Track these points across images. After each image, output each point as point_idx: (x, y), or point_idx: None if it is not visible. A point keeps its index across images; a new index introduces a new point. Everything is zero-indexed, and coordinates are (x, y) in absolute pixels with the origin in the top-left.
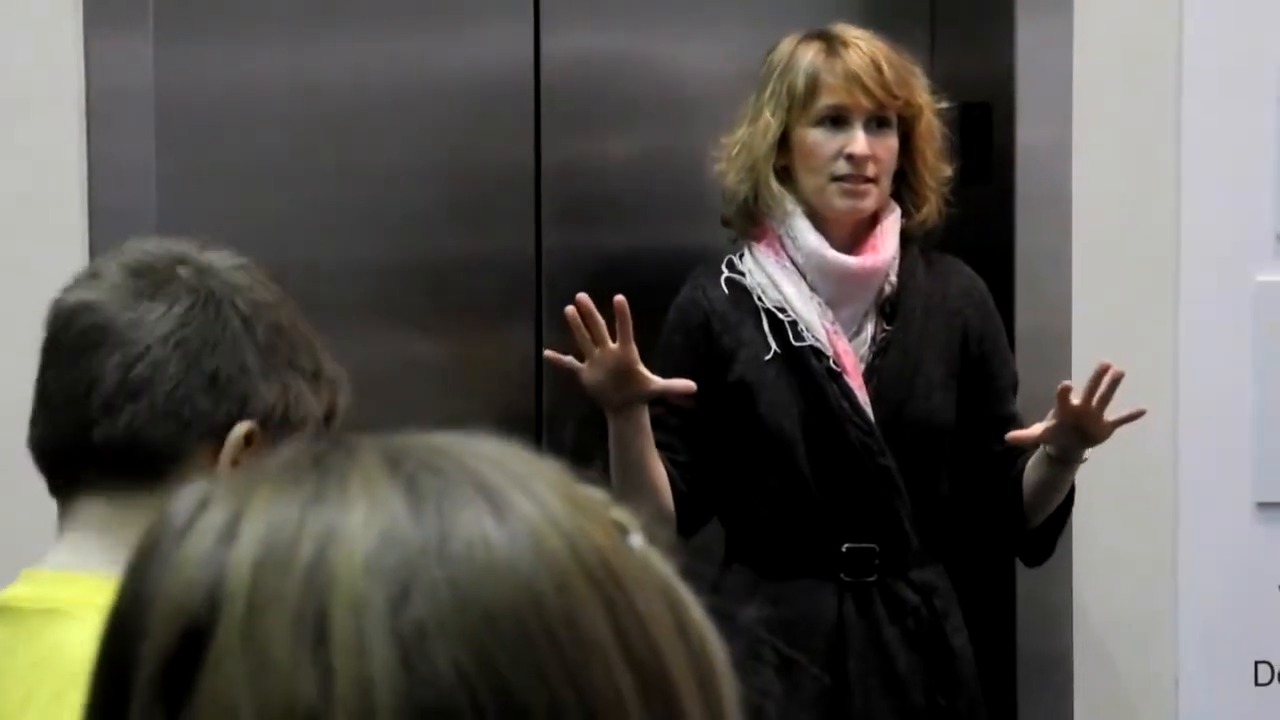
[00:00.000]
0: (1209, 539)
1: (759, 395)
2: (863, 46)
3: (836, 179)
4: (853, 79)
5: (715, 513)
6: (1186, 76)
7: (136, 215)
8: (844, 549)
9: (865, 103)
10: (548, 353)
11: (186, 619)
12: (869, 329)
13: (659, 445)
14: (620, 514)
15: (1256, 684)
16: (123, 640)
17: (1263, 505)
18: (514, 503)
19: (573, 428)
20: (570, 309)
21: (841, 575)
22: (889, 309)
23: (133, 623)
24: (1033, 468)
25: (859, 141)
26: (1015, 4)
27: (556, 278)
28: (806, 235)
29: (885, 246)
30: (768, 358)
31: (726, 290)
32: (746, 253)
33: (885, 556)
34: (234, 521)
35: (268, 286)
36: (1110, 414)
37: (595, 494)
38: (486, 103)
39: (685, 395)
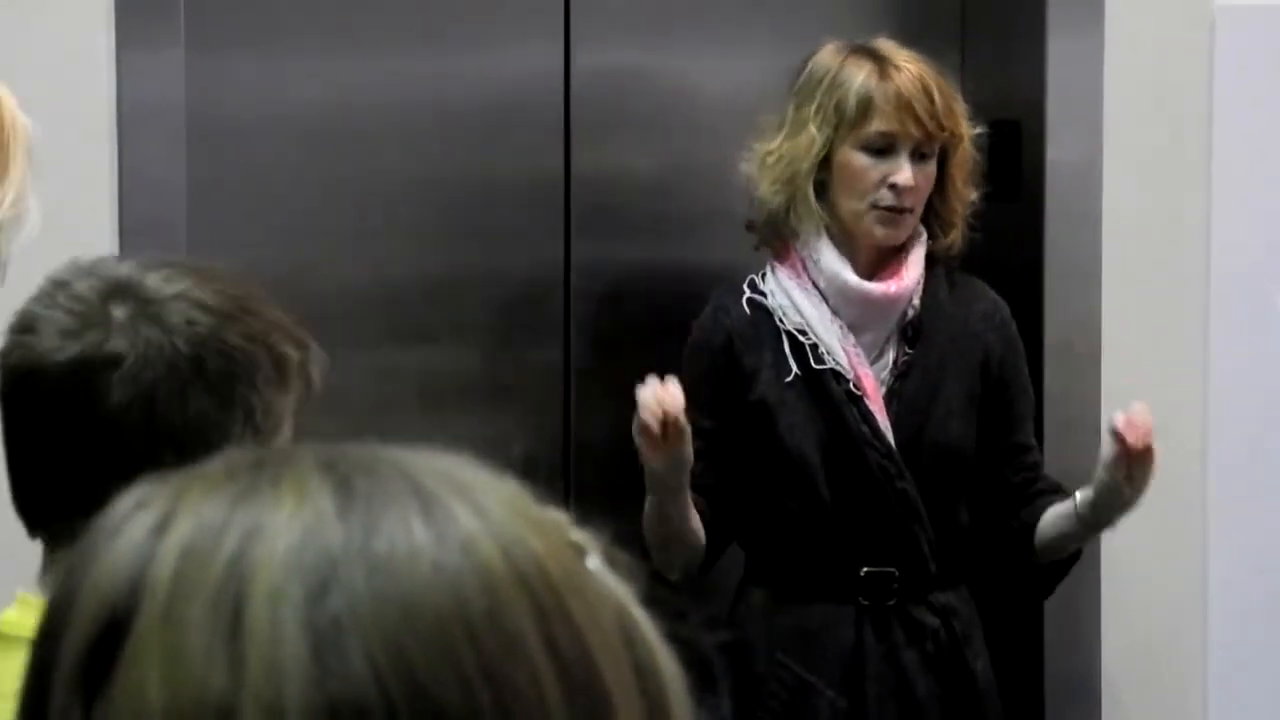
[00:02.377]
0: (1240, 561)
1: (779, 416)
2: (913, 71)
3: (877, 207)
4: (905, 107)
5: (736, 534)
6: (1217, 94)
7: (167, 228)
8: (862, 572)
9: (915, 132)
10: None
11: (109, 610)
12: (891, 353)
13: None
14: (579, 535)
15: None
16: (50, 635)
17: None
18: (448, 507)
19: (601, 441)
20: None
21: (860, 599)
22: (911, 332)
23: (60, 616)
24: (1056, 520)
25: (905, 172)
26: (1046, 21)
27: (585, 291)
28: (829, 259)
29: (909, 273)
30: (788, 380)
31: (748, 310)
32: (769, 273)
33: (904, 580)
34: (166, 518)
35: (206, 304)
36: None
37: (553, 514)
38: (517, 117)
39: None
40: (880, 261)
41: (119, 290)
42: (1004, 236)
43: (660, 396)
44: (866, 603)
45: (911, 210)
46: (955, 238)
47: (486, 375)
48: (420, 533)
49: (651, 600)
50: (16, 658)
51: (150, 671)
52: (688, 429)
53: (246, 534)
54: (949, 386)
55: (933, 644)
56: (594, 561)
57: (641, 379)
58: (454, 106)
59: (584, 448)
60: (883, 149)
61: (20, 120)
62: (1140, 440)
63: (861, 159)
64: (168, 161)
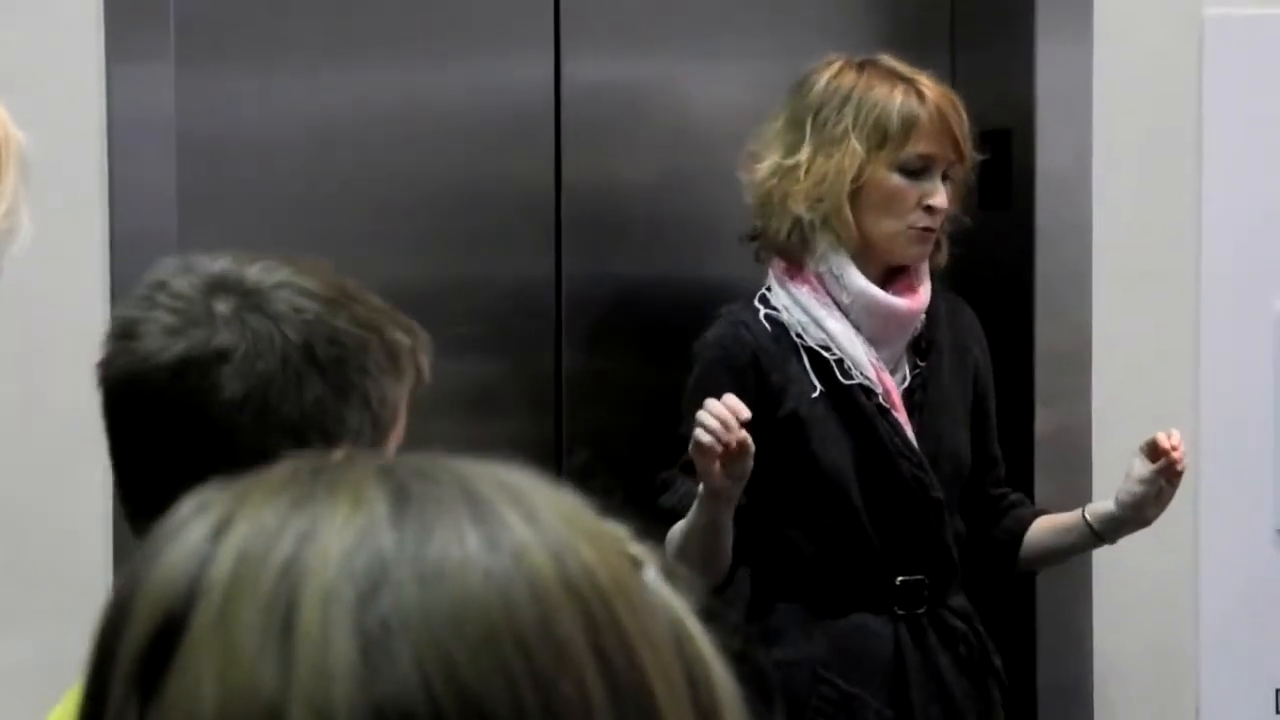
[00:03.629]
0: (1230, 566)
1: (810, 431)
2: (939, 91)
3: (912, 228)
4: (945, 129)
5: (758, 551)
6: (1207, 102)
7: (157, 242)
8: (898, 582)
9: (951, 154)
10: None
11: (166, 610)
12: (905, 366)
13: None
14: (636, 548)
15: (1277, 712)
16: (110, 633)
17: None
18: (502, 515)
19: (592, 455)
20: (719, 434)
21: (895, 608)
22: (925, 345)
23: (120, 615)
24: (1054, 533)
25: (941, 195)
26: (1035, 29)
27: (576, 303)
28: (854, 275)
29: (924, 287)
30: (814, 395)
31: (768, 326)
32: (777, 289)
33: (933, 587)
34: (225, 522)
35: (311, 291)
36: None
37: (611, 526)
38: (507, 129)
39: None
40: (888, 275)
41: (220, 284)
42: (995, 245)
43: (722, 414)
44: (901, 611)
45: (938, 229)
46: (945, 254)
47: (478, 386)
48: (472, 540)
49: (709, 615)
50: None
51: (204, 671)
52: (751, 444)
53: (301, 537)
54: (954, 399)
55: (964, 647)
56: (650, 574)
57: (633, 389)
58: (445, 119)
59: (575, 461)
60: (917, 170)
61: (12, 134)
62: (1182, 457)
63: (898, 180)
64: (158, 174)
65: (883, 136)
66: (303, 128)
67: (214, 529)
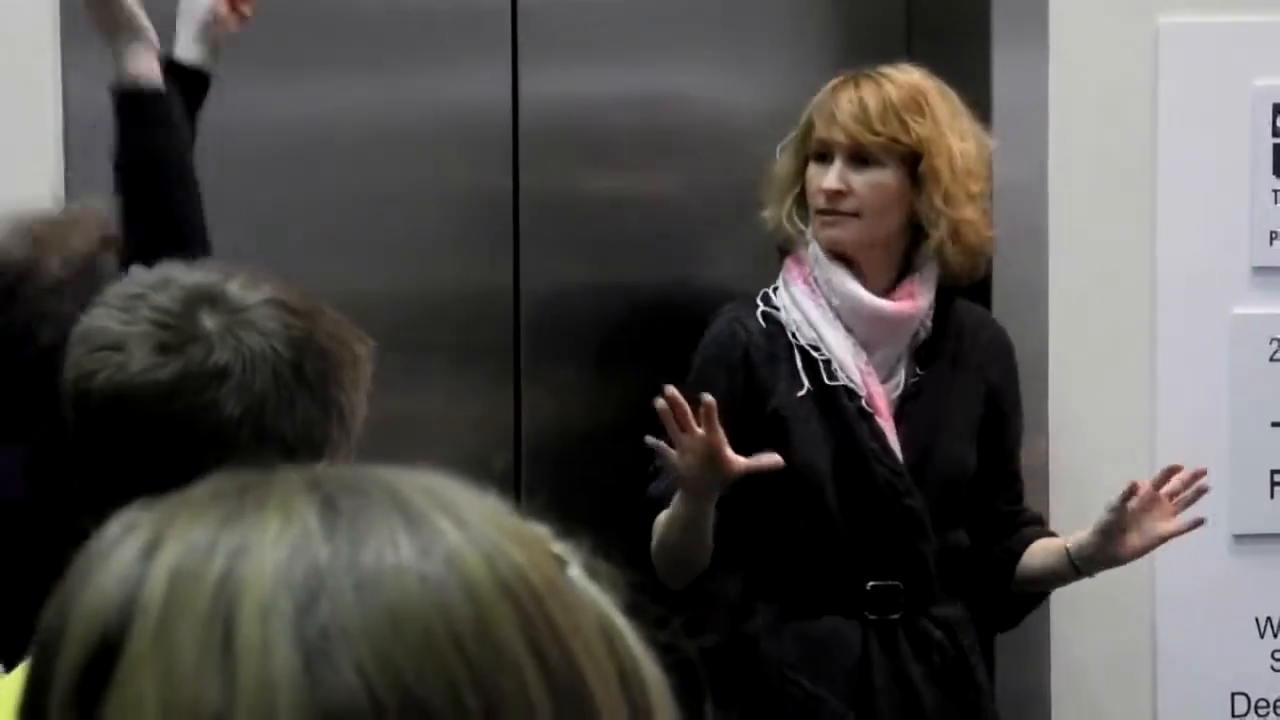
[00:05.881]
0: (1186, 571)
1: (792, 430)
2: (869, 83)
3: (819, 212)
4: (831, 115)
5: (738, 549)
6: (1162, 110)
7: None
8: (868, 586)
9: (841, 138)
10: (649, 439)
11: (100, 632)
12: (901, 373)
13: None
14: (560, 547)
15: (1234, 716)
16: (44, 657)
17: (1239, 537)
18: (432, 521)
19: (551, 457)
20: (660, 402)
21: (866, 613)
22: (925, 354)
23: (54, 639)
24: (1044, 556)
25: (828, 175)
26: (990, 40)
27: (535, 314)
28: (839, 276)
29: (921, 294)
30: (800, 394)
31: (764, 324)
32: (782, 288)
33: (909, 594)
34: (155, 541)
35: (293, 307)
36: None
37: (534, 527)
38: (466, 140)
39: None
40: (892, 280)
41: (203, 299)
42: None
43: (670, 399)
44: (873, 616)
45: (854, 214)
46: (959, 259)
47: (437, 395)
48: (405, 546)
49: (634, 609)
50: None
51: (144, 690)
52: (720, 431)
53: (234, 553)
54: (955, 411)
55: (939, 656)
56: (575, 572)
57: (591, 397)
58: (403, 129)
59: (534, 464)
60: (823, 155)
61: None
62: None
63: (811, 170)
64: (114, 184)
65: (805, 131)
66: (262, 139)
67: (144, 549)
